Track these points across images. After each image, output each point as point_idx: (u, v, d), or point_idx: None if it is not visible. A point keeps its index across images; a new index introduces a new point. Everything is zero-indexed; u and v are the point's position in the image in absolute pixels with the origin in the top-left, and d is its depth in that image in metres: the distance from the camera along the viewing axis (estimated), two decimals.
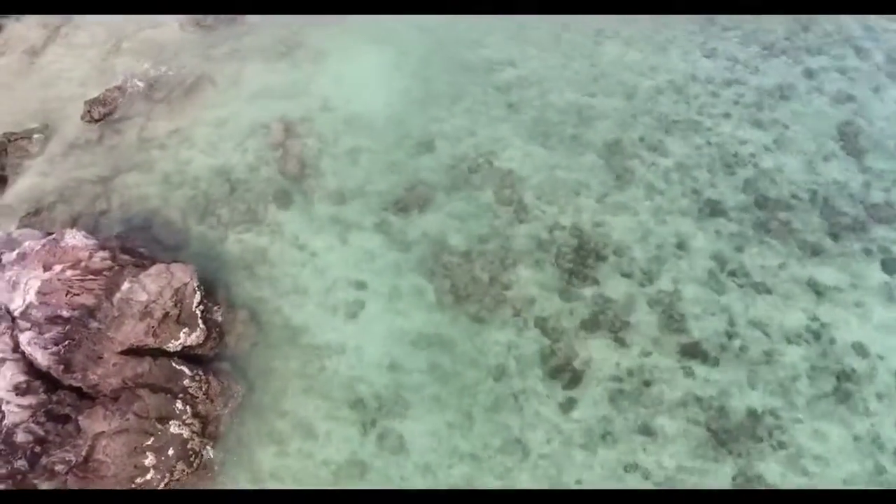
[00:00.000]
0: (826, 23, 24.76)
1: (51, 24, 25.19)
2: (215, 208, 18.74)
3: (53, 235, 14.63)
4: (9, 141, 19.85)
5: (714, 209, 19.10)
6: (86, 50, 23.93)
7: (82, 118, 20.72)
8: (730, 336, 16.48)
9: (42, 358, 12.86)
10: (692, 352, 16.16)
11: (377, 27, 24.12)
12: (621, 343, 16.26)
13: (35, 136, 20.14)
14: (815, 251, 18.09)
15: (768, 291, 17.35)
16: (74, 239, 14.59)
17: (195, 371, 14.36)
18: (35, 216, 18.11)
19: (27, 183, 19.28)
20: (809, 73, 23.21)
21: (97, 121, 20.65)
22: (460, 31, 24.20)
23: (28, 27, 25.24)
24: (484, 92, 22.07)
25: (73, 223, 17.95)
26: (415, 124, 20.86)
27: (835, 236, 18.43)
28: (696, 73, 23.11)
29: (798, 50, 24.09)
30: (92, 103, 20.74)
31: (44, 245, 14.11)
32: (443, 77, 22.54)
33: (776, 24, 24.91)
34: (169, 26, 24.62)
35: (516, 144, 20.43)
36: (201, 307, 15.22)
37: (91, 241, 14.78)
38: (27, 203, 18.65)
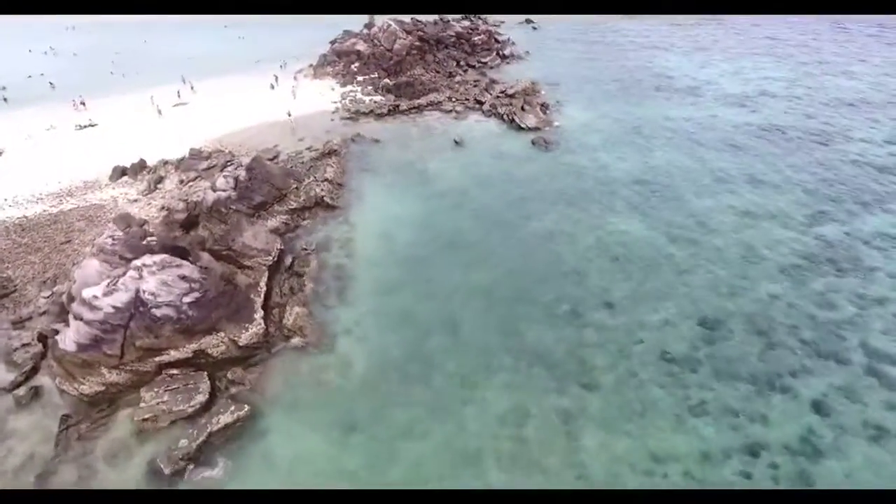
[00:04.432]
0: (788, 338, 22.32)
1: None
2: None
3: None
4: None
5: None
6: None
7: None
8: None
9: None
10: None
11: None
12: None
13: None
14: None
15: None
16: None
17: None
18: None
19: None
20: (818, 407, 19.37)
21: None
22: None
23: None
24: None
25: None
26: None
27: None
28: (704, 449, 18.06)
29: (782, 376, 20.67)
30: None
31: None
32: None
33: (739, 349, 21.96)
34: None
35: None
36: None
37: None
38: None
